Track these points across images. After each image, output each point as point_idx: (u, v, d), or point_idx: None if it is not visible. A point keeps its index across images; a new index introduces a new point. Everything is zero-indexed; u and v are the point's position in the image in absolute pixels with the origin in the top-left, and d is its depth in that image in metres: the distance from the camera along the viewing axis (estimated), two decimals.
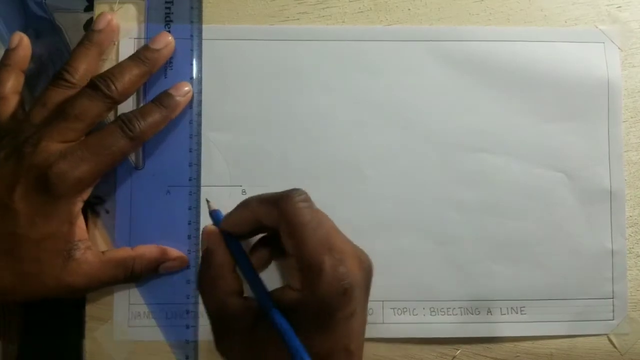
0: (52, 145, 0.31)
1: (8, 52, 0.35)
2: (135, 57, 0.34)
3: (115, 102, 0.33)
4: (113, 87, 0.32)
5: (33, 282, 0.31)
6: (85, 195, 0.32)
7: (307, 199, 0.28)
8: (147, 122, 0.33)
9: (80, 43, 0.35)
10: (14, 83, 0.34)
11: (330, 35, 0.37)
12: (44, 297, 0.32)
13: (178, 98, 0.34)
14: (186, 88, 0.35)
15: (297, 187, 0.28)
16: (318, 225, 0.27)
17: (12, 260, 0.31)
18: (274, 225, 0.28)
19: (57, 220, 0.31)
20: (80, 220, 0.33)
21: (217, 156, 0.36)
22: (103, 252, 0.33)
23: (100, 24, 0.35)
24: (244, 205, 0.29)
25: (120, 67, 0.33)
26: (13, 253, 0.31)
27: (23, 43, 0.35)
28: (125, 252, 0.34)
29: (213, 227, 0.30)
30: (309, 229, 0.27)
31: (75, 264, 0.32)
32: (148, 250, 0.34)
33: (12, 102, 0.34)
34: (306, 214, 0.27)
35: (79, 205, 0.32)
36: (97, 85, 0.32)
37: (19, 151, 0.31)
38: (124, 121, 0.32)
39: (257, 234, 0.31)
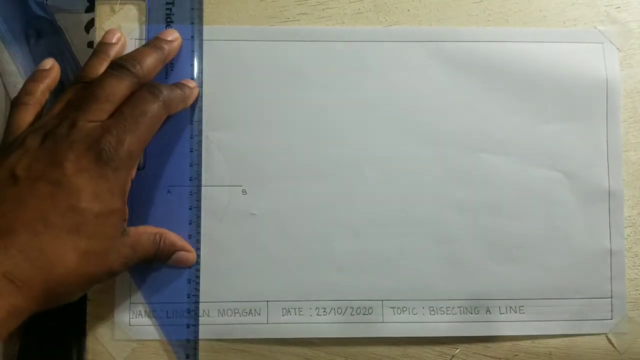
0: (89, 124, 0.30)
1: (40, 71, 0.34)
2: (151, 44, 0.34)
3: (140, 83, 0.32)
4: (138, 67, 0.32)
5: (101, 262, 0.30)
6: (133, 172, 0.32)
7: None
8: (172, 92, 0.33)
9: (95, 54, 0.34)
10: (39, 97, 0.34)
11: (330, 36, 0.37)
12: (105, 278, 0.31)
13: (187, 90, 0.34)
14: (192, 84, 0.35)
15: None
16: None
17: (78, 238, 0.28)
18: None
19: (119, 194, 0.30)
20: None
21: (217, 156, 0.36)
22: (134, 227, 0.33)
23: (113, 38, 0.35)
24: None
25: (139, 51, 0.34)
26: (79, 230, 0.28)
27: (55, 68, 0.35)
28: (151, 227, 0.34)
29: None
30: None
31: (128, 239, 0.31)
32: (168, 232, 0.34)
33: (36, 109, 0.33)
34: None
35: (129, 182, 0.31)
36: (122, 65, 0.32)
37: (53, 134, 0.30)
38: (150, 85, 0.32)
39: None
